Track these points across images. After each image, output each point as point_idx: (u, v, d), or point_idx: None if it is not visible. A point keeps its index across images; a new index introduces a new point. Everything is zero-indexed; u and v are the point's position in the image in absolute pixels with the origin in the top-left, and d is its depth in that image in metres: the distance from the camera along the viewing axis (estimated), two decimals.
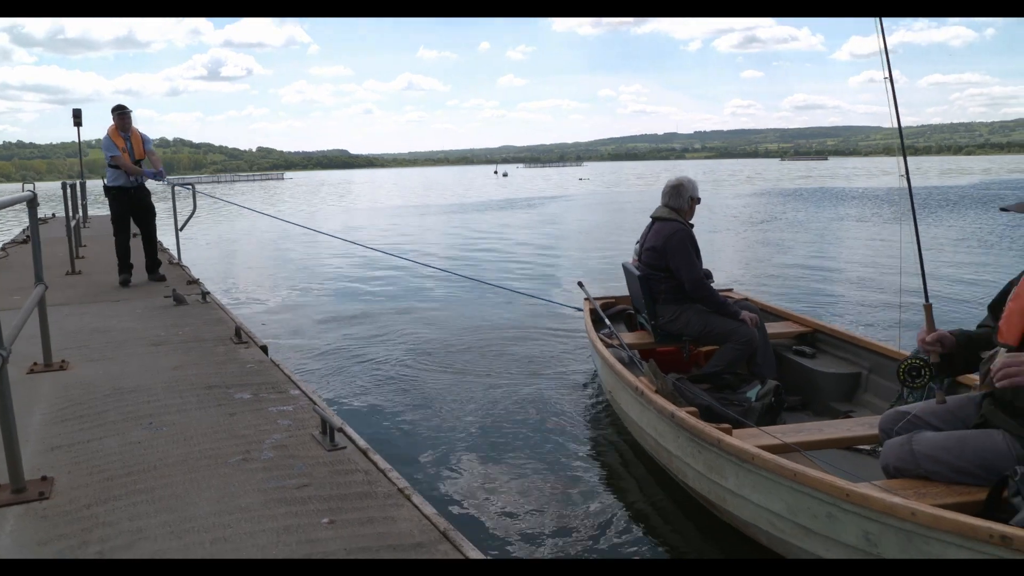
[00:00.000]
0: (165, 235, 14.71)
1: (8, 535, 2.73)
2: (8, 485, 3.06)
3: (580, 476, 4.64)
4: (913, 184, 3.78)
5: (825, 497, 2.83)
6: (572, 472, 4.69)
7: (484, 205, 36.29)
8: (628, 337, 5.59)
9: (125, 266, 8.76)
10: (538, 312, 9.13)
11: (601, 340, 5.37)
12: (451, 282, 11.34)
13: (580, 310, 6.64)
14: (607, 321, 5.69)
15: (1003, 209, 2.96)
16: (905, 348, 4.57)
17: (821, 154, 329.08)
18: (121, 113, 8.39)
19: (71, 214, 10.98)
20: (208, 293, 7.76)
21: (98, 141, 9.04)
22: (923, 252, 3.83)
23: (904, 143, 4.01)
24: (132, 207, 8.70)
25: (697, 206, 5.49)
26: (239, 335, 5.78)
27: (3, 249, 13.07)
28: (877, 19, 3.70)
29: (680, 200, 5.38)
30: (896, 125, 3.83)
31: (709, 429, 3.52)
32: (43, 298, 4.55)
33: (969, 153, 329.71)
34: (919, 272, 3.70)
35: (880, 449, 3.19)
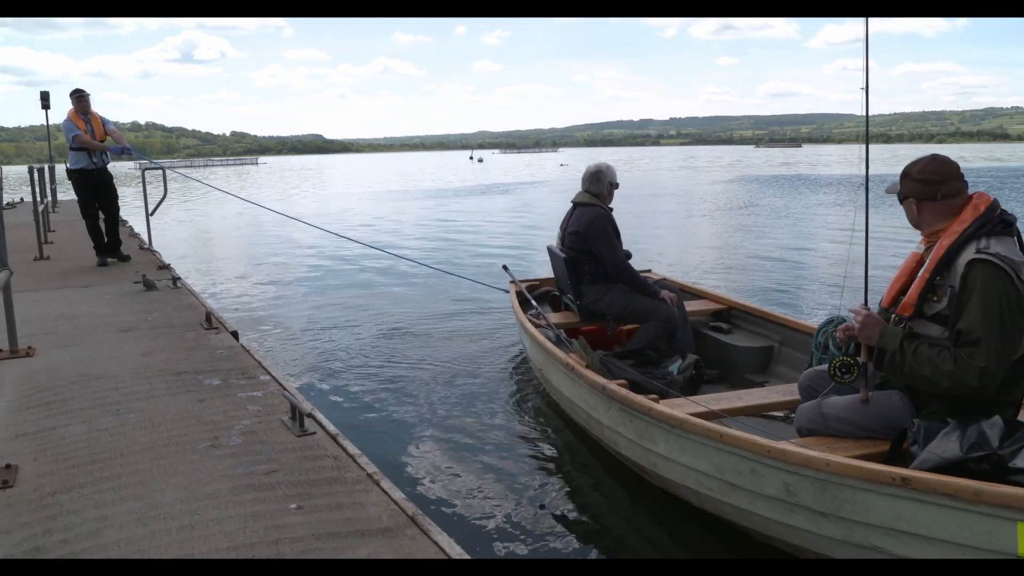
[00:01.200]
0: (136, 220, 14.57)
1: None
2: None
3: (521, 454, 4.72)
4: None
5: (749, 455, 3.09)
6: (515, 450, 4.77)
7: (462, 191, 36.22)
8: (554, 317, 5.75)
9: (100, 247, 8.98)
10: (493, 297, 9.08)
11: (529, 320, 5.52)
12: (421, 268, 11.27)
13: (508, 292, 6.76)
14: (533, 303, 5.82)
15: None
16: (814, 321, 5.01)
17: (795, 141, 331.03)
18: (79, 96, 8.49)
19: (39, 199, 10.79)
20: (179, 279, 7.69)
21: None
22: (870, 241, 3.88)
23: (869, 139, 4.18)
24: (95, 189, 8.82)
25: (616, 191, 5.68)
26: (209, 320, 5.74)
27: None
28: (864, 19, 3.92)
29: (600, 186, 5.56)
30: (865, 120, 4.05)
31: (640, 399, 3.72)
32: (8, 283, 4.50)
33: (940, 141, 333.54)
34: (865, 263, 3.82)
35: (792, 415, 3.55)
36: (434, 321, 8.35)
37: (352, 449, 3.31)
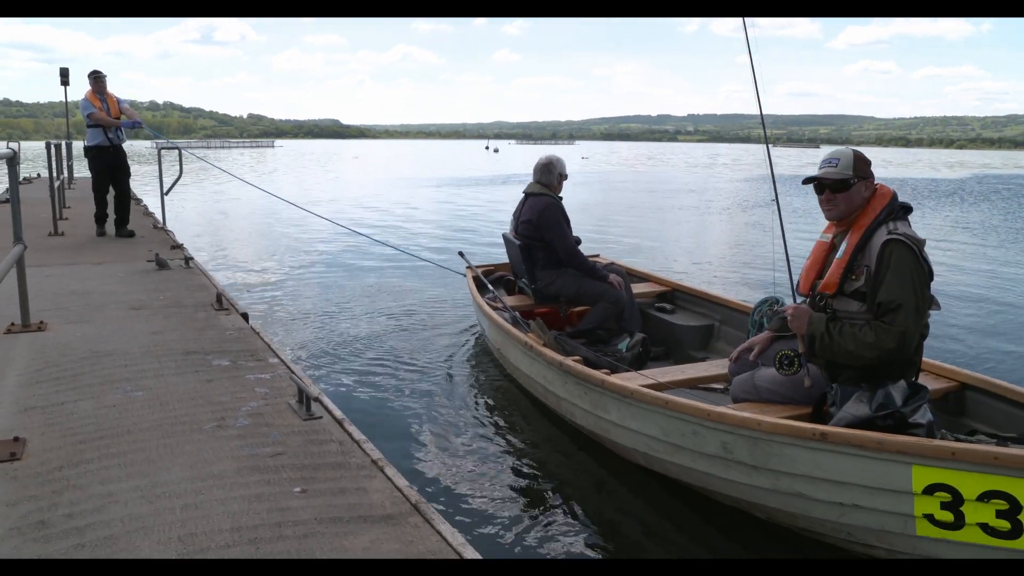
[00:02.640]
0: (151, 199, 14.61)
1: None
2: None
3: (487, 433, 4.96)
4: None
5: (692, 418, 3.53)
6: (483, 430, 5.02)
7: (476, 180, 36.19)
8: (510, 300, 6.08)
9: (101, 217, 9.57)
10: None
11: (487, 304, 5.86)
12: (432, 258, 11.27)
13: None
14: (490, 287, 6.23)
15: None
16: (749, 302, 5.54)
17: (813, 141, 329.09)
18: (96, 77, 9.08)
19: (55, 174, 10.84)
20: (191, 258, 7.71)
21: None
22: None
23: (767, 132, 4.79)
24: (110, 165, 9.33)
25: (565, 182, 6.09)
26: (220, 301, 5.75)
27: None
28: (742, 19, 4.23)
29: (550, 177, 5.94)
30: (761, 121, 4.71)
31: (594, 373, 4.17)
32: (22, 258, 4.51)
33: (961, 147, 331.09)
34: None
35: (729, 387, 4.09)
36: (445, 308, 8.35)
37: (358, 435, 3.31)
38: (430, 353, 6.64)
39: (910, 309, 3.23)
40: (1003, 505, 2.75)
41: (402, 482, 2.87)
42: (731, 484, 3.54)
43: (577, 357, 4.58)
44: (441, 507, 3.85)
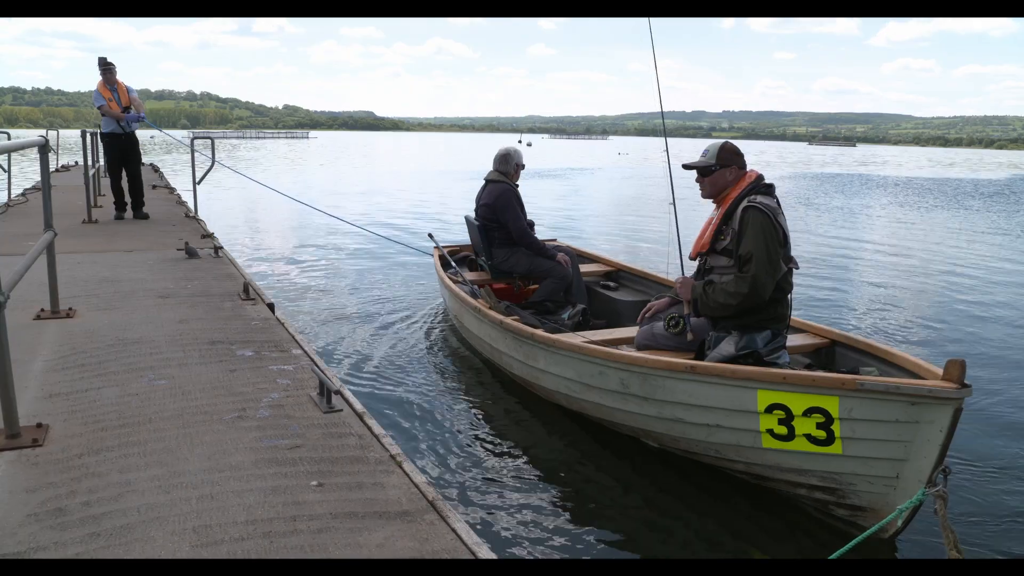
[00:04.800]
0: (184, 188, 14.75)
1: None
2: (3, 430, 3.06)
3: (454, 392, 5.53)
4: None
5: (598, 361, 4.33)
6: (447, 388, 5.66)
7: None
8: (470, 276, 6.78)
9: (120, 203, 10.13)
10: None
11: (449, 278, 6.56)
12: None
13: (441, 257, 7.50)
14: (453, 264, 6.86)
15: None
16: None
17: (849, 140, 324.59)
18: (106, 67, 9.53)
19: (90, 162, 10.97)
20: (221, 248, 7.75)
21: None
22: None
23: (665, 126, 6.30)
24: (122, 151, 9.95)
25: (522, 171, 6.73)
26: (247, 291, 5.77)
27: (23, 195, 13.11)
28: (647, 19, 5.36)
29: (508, 166, 6.60)
30: (661, 117, 5.85)
31: (526, 328, 5.00)
32: (52, 245, 4.54)
33: (1001, 147, 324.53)
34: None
35: None
36: None
37: (377, 429, 3.29)
38: (456, 350, 6.62)
39: (762, 260, 3.94)
40: (821, 419, 3.49)
41: (420, 478, 2.84)
42: (629, 415, 4.36)
43: (516, 317, 5.48)
44: (453, 502, 3.83)
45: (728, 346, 4.11)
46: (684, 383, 3.87)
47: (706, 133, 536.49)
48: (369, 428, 3.30)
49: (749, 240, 3.98)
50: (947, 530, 2.97)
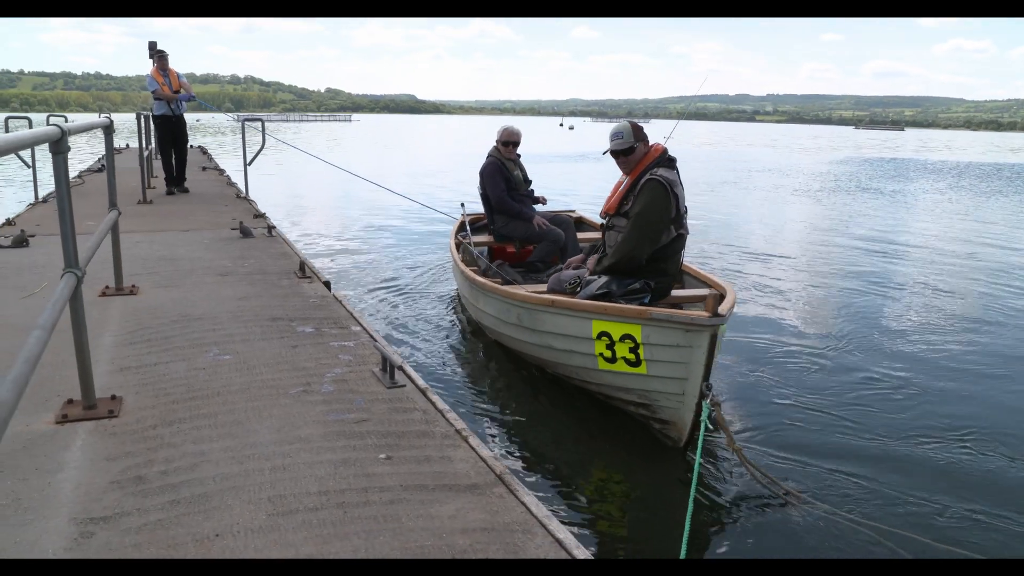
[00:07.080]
0: (234, 170, 14.93)
1: (79, 449, 2.81)
2: (80, 401, 3.15)
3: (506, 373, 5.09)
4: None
5: (504, 299, 5.12)
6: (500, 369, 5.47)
7: (550, 157, 35.98)
8: (478, 238, 7.37)
9: (171, 179, 11.27)
10: None
11: (456, 239, 7.21)
12: None
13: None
14: (468, 228, 7.43)
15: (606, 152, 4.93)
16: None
17: (897, 124, 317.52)
18: (160, 56, 10.77)
19: (144, 144, 11.16)
20: (274, 227, 7.85)
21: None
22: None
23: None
24: (172, 132, 11.06)
25: (513, 148, 7.16)
26: (303, 270, 5.84)
27: (79, 176, 13.38)
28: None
29: (496, 143, 7.19)
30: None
31: (477, 278, 5.65)
32: (116, 223, 4.63)
33: None
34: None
35: None
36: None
37: (441, 404, 3.32)
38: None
39: (639, 220, 4.58)
40: (632, 343, 4.10)
41: (486, 452, 2.86)
42: (524, 344, 5.15)
43: (475, 268, 6.42)
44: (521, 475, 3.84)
45: (591, 288, 4.70)
46: (549, 315, 4.61)
47: (749, 117, 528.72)
48: (433, 403, 3.33)
49: (638, 204, 4.62)
50: (724, 429, 3.79)
